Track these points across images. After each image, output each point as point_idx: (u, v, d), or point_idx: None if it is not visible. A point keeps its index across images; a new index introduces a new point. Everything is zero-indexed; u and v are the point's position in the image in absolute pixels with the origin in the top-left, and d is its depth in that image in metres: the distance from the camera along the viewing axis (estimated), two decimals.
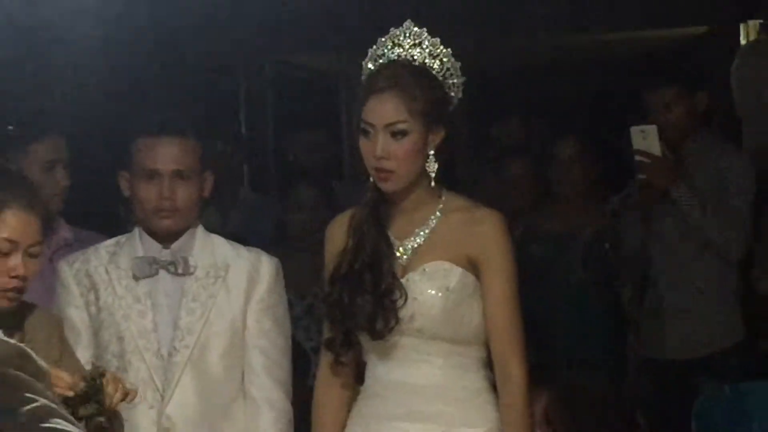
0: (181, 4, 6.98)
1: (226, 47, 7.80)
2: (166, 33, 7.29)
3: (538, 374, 5.40)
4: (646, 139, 5.10)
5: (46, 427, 0.94)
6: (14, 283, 3.19)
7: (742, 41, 7.86)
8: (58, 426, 0.95)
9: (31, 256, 3.34)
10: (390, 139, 3.46)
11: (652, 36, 8.27)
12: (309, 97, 8.56)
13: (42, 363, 1.01)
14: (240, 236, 4.22)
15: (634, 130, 5.12)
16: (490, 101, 6.72)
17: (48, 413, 0.95)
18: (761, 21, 7.51)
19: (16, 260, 3.30)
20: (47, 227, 4.09)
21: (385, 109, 3.47)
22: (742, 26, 7.90)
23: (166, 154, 3.73)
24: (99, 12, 5.87)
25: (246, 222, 6.28)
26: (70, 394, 3.07)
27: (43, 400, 0.96)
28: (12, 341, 1.01)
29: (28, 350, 1.02)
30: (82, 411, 3.20)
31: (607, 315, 5.79)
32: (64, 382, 3.05)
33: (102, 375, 3.22)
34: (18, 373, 0.98)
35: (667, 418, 5.43)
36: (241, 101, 8.50)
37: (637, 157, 5.14)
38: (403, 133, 3.46)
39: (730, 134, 6.58)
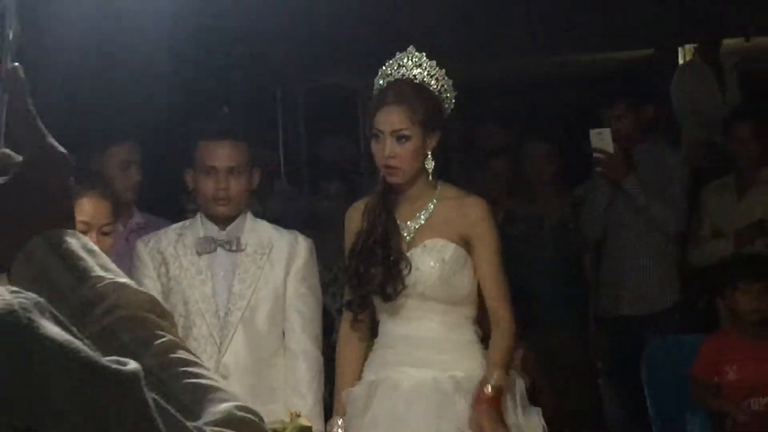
0: (235, 34, 6.99)
1: (269, 68, 7.72)
2: (221, 55, 7.24)
3: (516, 329, 5.41)
4: (602, 139, 5.06)
5: (173, 357, 0.95)
6: None
7: (680, 62, 7.84)
8: (182, 355, 0.96)
9: (104, 234, 3.39)
10: (395, 143, 3.49)
11: (607, 57, 8.23)
12: (333, 108, 8.51)
13: (166, 307, 1.01)
14: (279, 221, 4.21)
15: (593, 132, 5.09)
16: (474, 111, 6.73)
17: (175, 345, 0.96)
18: (695, 45, 7.45)
19: (90, 238, 3.30)
20: (120, 213, 4.13)
21: (391, 119, 3.50)
22: (680, 49, 7.89)
23: (222, 154, 3.72)
24: (167, 35, 5.85)
25: (282, 209, 6.21)
26: None
27: (169, 336, 0.97)
28: (142, 290, 1.03)
29: (155, 297, 1.03)
30: None
31: (572, 282, 5.75)
32: None
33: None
34: (149, 314, 0.99)
35: (621, 364, 5.43)
36: (279, 111, 8.44)
37: (595, 154, 5.11)
38: (406, 138, 3.49)
39: (671, 136, 6.58)
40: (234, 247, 3.77)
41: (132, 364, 0.73)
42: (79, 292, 1.01)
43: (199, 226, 3.79)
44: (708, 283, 5.06)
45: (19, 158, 1.04)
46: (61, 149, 1.06)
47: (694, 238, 5.29)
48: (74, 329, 0.72)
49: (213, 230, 3.77)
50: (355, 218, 3.71)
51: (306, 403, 3.66)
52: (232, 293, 3.73)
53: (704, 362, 4.62)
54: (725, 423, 4.49)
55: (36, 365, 0.66)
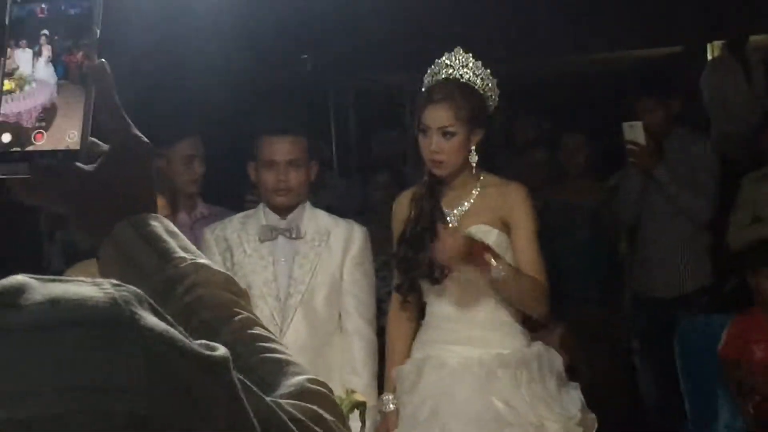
0: (292, 35, 7.00)
1: (323, 67, 7.75)
2: (282, 55, 7.28)
3: (555, 310, 5.38)
4: (634, 131, 5.04)
5: (251, 333, 0.96)
6: None
7: (709, 57, 7.77)
8: (259, 331, 0.97)
9: None
10: (441, 138, 3.48)
11: (638, 54, 8.15)
12: (382, 104, 8.52)
13: (241, 286, 1.02)
14: (332, 210, 4.23)
15: (625, 125, 5.07)
16: (515, 106, 6.75)
17: (252, 322, 0.97)
18: (723, 41, 7.40)
19: None
20: (180, 204, 4.15)
21: (438, 116, 3.49)
22: (708, 46, 7.84)
23: (282, 148, 3.73)
24: (230, 36, 5.89)
25: (334, 200, 6.24)
26: None
27: (246, 313, 0.98)
28: (220, 269, 1.04)
29: (232, 276, 1.03)
30: None
31: (608, 264, 5.74)
32: None
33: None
34: (226, 293, 0.99)
35: (655, 342, 5.42)
36: (332, 108, 8.47)
37: (628, 146, 5.09)
38: (452, 134, 3.48)
39: (701, 128, 6.49)
40: (294, 235, 3.78)
41: (221, 350, 0.73)
42: (163, 272, 1.01)
43: (262, 216, 3.80)
44: (740, 264, 4.96)
45: (106, 147, 1.04)
46: (145, 139, 1.07)
47: (734, 224, 5.22)
48: (169, 318, 0.72)
49: (274, 219, 3.78)
50: (403, 207, 3.71)
51: (361, 380, 3.67)
52: (292, 278, 3.74)
53: (732, 341, 4.58)
54: (752, 399, 4.45)
55: (139, 355, 0.66)
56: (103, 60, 1.01)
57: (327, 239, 3.78)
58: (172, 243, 1.05)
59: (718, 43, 7.61)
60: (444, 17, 7.15)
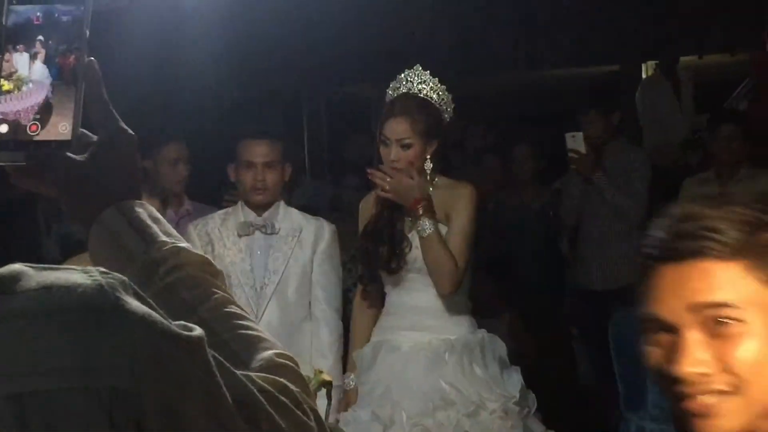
0: (268, 49, 6.97)
1: (297, 79, 7.75)
2: (256, 67, 7.25)
3: (505, 299, 5.35)
4: (575, 141, 5.06)
5: (226, 311, 0.96)
6: None
7: (644, 75, 7.84)
8: (234, 310, 0.97)
9: None
10: (400, 149, 3.47)
11: (580, 72, 8.20)
12: (351, 112, 8.53)
13: (218, 267, 1.02)
14: (305, 209, 4.25)
15: (567, 135, 5.09)
16: (467, 118, 6.81)
17: (227, 301, 0.97)
18: (656, 61, 7.52)
19: None
20: (169, 203, 4.14)
21: (397, 129, 3.48)
22: (643, 65, 7.89)
23: (260, 151, 3.74)
24: (210, 51, 5.89)
25: (306, 200, 6.24)
26: None
27: (222, 293, 0.98)
28: (198, 252, 1.04)
29: (209, 258, 1.03)
30: None
31: (551, 260, 5.78)
32: None
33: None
34: (204, 274, 0.99)
35: (592, 331, 5.39)
36: (305, 115, 8.49)
37: (570, 154, 5.11)
38: (409, 146, 3.47)
39: (635, 138, 6.57)
40: (269, 231, 3.79)
41: (197, 330, 0.74)
42: (147, 254, 1.02)
43: (240, 212, 3.80)
44: None
45: (94, 138, 1.05)
46: (130, 131, 1.07)
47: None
48: (151, 302, 0.73)
49: (251, 216, 3.78)
50: (369, 206, 3.71)
51: (327, 362, 3.68)
52: (267, 269, 3.74)
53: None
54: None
55: (123, 336, 0.67)
56: (92, 58, 1.02)
57: (299, 235, 3.78)
58: (156, 228, 1.05)
59: (651, 63, 7.70)
60: (407, 34, 7.18)
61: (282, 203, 3.87)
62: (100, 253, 1.05)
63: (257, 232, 3.78)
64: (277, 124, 5.95)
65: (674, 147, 6.59)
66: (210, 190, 5.36)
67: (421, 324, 3.56)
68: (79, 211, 1.07)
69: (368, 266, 3.65)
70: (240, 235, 3.77)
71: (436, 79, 3.57)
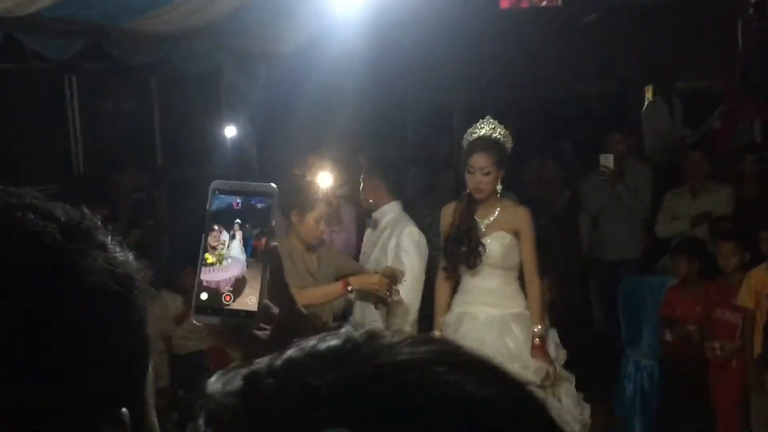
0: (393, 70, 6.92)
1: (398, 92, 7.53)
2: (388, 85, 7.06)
3: (545, 268, 5.88)
4: (607, 159, 5.33)
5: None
6: None
7: (647, 96, 7.84)
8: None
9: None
10: (482, 176, 3.61)
11: (585, 92, 7.99)
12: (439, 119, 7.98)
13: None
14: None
15: (601, 156, 5.37)
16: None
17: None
18: (653, 85, 7.59)
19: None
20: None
21: (480, 161, 3.60)
22: (646, 88, 7.88)
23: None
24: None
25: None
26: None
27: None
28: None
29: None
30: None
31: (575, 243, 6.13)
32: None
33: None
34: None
35: (604, 288, 5.75)
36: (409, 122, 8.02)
37: (602, 169, 5.39)
38: (488, 173, 3.62)
39: (639, 144, 6.74)
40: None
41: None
42: None
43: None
44: (664, 246, 5.20)
45: (276, 310, 0.95)
46: (304, 312, 0.97)
47: (660, 221, 5.41)
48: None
49: None
50: (447, 214, 3.76)
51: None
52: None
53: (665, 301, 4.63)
54: (674, 331, 4.58)
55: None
56: (276, 243, 0.93)
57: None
58: None
59: (649, 87, 7.74)
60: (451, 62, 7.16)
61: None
62: None
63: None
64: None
65: (666, 150, 6.82)
66: None
67: (492, 301, 3.69)
68: None
69: (451, 261, 3.73)
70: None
71: (501, 124, 3.74)
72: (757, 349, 4.02)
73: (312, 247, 3.54)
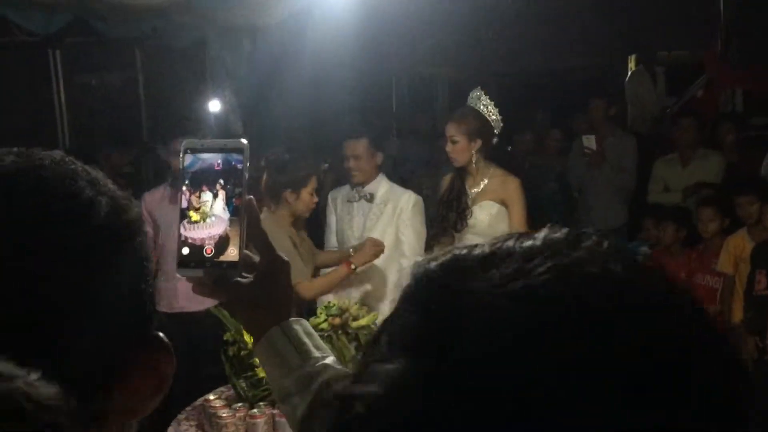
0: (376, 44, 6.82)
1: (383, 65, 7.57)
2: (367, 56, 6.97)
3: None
4: (589, 141, 5.31)
5: None
6: None
7: (630, 66, 7.82)
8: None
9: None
10: (451, 144, 3.66)
11: (568, 64, 8.07)
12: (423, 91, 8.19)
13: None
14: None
15: (583, 137, 5.34)
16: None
17: None
18: (636, 55, 7.64)
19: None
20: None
21: (450, 129, 3.67)
22: (629, 58, 7.87)
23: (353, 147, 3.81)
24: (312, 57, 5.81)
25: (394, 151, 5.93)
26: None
27: None
28: (342, 368, 1.02)
29: (348, 371, 1.00)
30: None
31: (566, 206, 6.12)
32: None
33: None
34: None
35: None
36: (393, 93, 8.23)
37: (585, 150, 5.36)
38: (456, 142, 3.64)
39: (622, 113, 6.65)
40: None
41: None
42: (303, 368, 0.99)
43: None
44: (653, 214, 5.13)
45: (256, 259, 0.98)
46: (285, 258, 0.99)
47: (652, 191, 5.37)
48: None
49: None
50: (444, 184, 3.84)
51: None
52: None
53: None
54: None
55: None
56: (251, 196, 0.94)
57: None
58: (309, 344, 1.00)
59: (632, 57, 7.75)
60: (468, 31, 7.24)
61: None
62: (265, 362, 1.01)
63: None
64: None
65: (649, 120, 6.84)
66: None
67: None
68: (249, 326, 1.02)
69: (441, 225, 3.78)
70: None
71: (487, 97, 3.72)
72: (737, 313, 4.04)
73: (296, 222, 3.55)
